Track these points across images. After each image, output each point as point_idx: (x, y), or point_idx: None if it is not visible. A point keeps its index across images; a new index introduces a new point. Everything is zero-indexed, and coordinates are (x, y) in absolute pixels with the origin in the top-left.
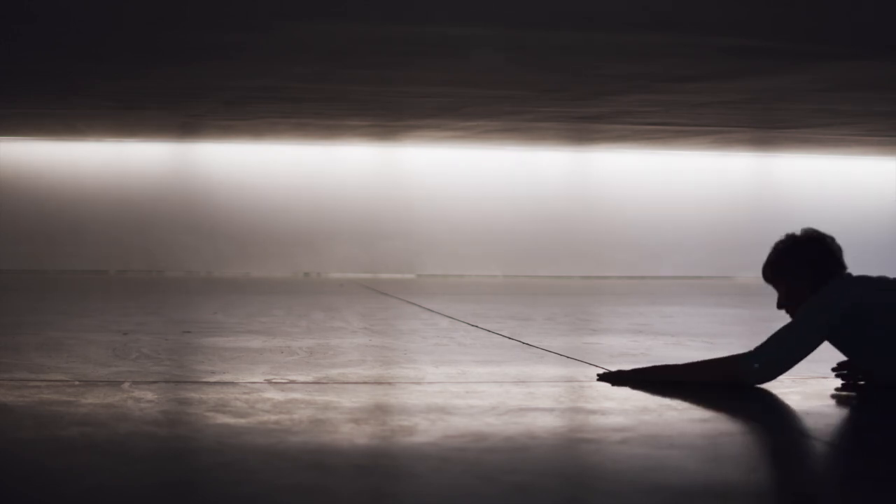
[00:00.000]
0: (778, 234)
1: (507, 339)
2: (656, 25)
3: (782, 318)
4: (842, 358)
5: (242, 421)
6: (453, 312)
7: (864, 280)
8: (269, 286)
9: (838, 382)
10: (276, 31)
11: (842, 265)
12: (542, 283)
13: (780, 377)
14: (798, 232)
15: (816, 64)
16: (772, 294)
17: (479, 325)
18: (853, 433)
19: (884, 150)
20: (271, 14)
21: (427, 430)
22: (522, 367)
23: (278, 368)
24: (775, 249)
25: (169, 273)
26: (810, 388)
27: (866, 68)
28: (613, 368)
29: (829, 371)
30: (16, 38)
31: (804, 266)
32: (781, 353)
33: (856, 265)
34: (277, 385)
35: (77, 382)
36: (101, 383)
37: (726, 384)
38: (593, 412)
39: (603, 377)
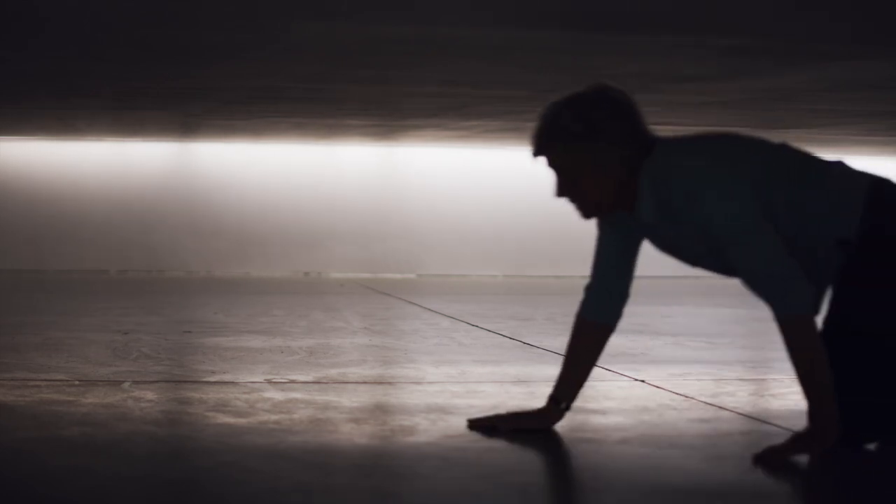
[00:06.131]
0: None
1: (507, 339)
2: (656, 25)
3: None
4: None
5: (242, 421)
6: (453, 312)
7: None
8: (269, 286)
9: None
10: (276, 32)
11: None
12: (542, 283)
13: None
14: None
15: (816, 64)
16: None
17: (480, 325)
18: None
19: (884, 150)
20: (271, 14)
21: (427, 430)
22: (522, 367)
23: (278, 368)
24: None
25: (169, 273)
26: None
27: (866, 68)
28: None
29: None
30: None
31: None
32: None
33: None
34: (278, 385)
35: (77, 382)
36: (101, 383)
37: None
38: (593, 412)
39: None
